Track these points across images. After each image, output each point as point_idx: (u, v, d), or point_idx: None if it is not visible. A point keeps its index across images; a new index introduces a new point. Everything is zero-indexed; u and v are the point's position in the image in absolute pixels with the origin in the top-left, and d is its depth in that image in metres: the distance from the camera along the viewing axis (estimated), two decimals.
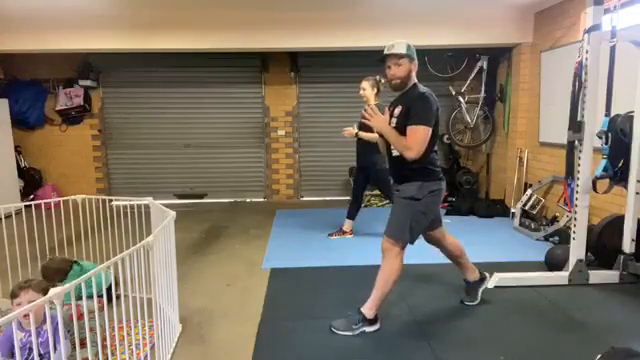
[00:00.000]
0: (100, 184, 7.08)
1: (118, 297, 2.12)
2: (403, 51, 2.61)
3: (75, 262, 3.20)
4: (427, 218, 2.71)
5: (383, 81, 4.45)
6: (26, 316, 2.02)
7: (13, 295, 2.17)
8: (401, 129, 2.60)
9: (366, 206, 5.37)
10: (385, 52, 2.66)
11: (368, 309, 2.71)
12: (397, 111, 2.68)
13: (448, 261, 3.16)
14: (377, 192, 5.88)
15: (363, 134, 4.35)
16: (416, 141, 2.52)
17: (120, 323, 2.49)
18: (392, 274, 2.66)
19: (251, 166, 7.22)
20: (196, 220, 5.72)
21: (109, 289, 2.81)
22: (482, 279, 3.10)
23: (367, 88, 4.39)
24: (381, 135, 2.77)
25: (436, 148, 2.73)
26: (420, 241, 2.87)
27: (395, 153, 2.68)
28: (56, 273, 2.98)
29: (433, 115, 2.58)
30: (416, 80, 2.70)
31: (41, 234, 3.12)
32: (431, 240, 2.99)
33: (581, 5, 4.50)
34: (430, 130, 2.55)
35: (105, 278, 2.65)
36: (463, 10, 5.41)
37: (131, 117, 7.03)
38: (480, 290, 3.09)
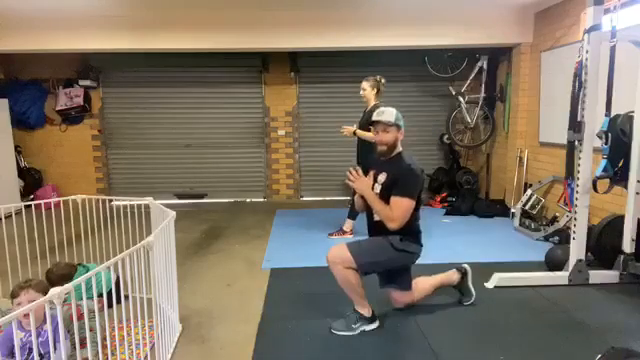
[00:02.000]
0: (100, 184, 7.08)
1: (126, 298, 2.11)
2: (392, 120, 2.67)
3: (80, 264, 3.20)
4: (391, 265, 2.75)
5: (383, 81, 4.46)
6: (26, 316, 2.02)
7: (13, 295, 2.17)
8: (384, 196, 2.65)
9: None
10: (374, 118, 2.72)
11: (359, 308, 2.73)
12: (382, 178, 2.72)
13: (448, 261, 3.17)
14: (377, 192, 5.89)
15: (361, 132, 4.36)
16: (400, 213, 2.58)
17: (120, 323, 2.49)
18: (350, 282, 2.66)
19: (251, 166, 7.22)
20: (196, 220, 5.72)
21: (110, 292, 2.81)
22: (464, 274, 3.08)
23: (367, 88, 4.40)
24: (362, 196, 2.77)
25: (419, 215, 2.76)
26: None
27: (376, 218, 2.73)
28: (61, 279, 2.96)
29: (418, 188, 2.66)
30: (401, 148, 2.76)
31: (41, 234, 3.12)
32: (402, 306, 2.94)
33: (581, 5, 4.50)
34: (414, 202, 2.62)
35: (106, 281, 2.65)
36: (463, 10, 5.41)
37: (131, 117, 7.03)
38: (470, 284, 3.08)
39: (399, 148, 2.75)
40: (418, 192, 2.66)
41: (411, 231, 2.71)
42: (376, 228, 2.77)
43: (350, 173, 2.70)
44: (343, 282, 2.69)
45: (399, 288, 2.86)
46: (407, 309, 2.95)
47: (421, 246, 2.79)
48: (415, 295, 2.92)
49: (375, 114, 2.72)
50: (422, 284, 2.97)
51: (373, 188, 2.73)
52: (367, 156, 4.45)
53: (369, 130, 4.30)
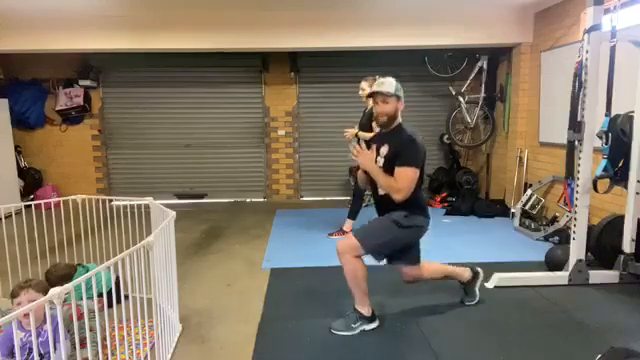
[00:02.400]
0: (100, 184, 7.08)
1: (126, 297, 2.11)
2: (391, 90, 2.64)
3: (79, 265, 3.19)
4: (400, 244, 2.72)
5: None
6: (26, 316, 2.02)
7: (14, 295, 2.17)
8: (388, 169, 2.62)
9: (367, 206, 5.37)
10: (373, 89, 2.70)
11: (360, 307, 2.73)
12: (384, 150, 2.69)
13: (448, 261, 3.16)
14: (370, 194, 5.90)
15: (363, 134, 4.36)
16: (405, 183, 2.55)
17: (120, 323, 2.49)
18: (357, 273, 2.66)
19: (251, 166, 7.22)
20: (196, 220, 5.72)
21: (110, 292, 2.80)
22: (475, 275, 3.08)
23: (366, 89, 4.41)
24: (365, 171, 2.75)
25: (423, 186, 2.76)
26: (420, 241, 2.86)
27: (381, 192, 2.71)
28: (61, 279, 2.95)
29: (421, 157, 2.62)
30: (401, 120, 2.74)
31: (41, 234, 3.12)
32: (410, 280, 2.91)
33: (581, 5, 4.50)
34: (418, 172, 2.59)
35: (106, 281, 2.65)
36: (463, 10, 5.41)
37: (131, 117, 7.03)
38: (477, 287, 3.09)
39: (399, 119, 2.72)
40: (422, 162, 2.62)
41: (416, 203, 2.67)
42: (382, 203, 2.73)
43: (353, 148, 2.66)
44: (350, 274, 2.66)
45: (408, 263, 2.82)
46: (409, 305, 2.95)
47: (428, 218, 2.75)
48: (425, 273, 2.88)
49: (375, 85, 2.70)
50: (435, 266, 2.96)
51: (376, 162, 2.69)
52: None
53: (371, 130, 4.31)
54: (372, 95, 2.72)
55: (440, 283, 3.43)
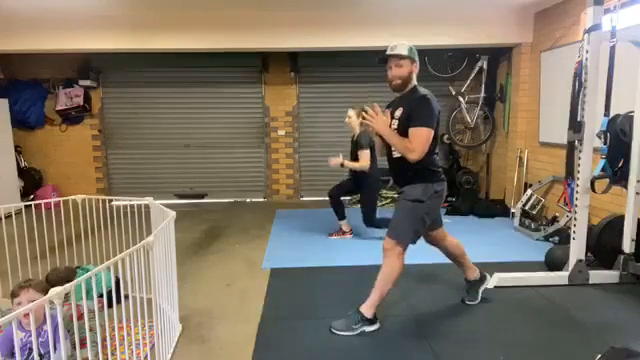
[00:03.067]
0: (100, 184, 7.08)
1: (126, 297, 2.10)
2: (405, 52, 2.64)
3: (79, 267, 3.19)
4: (430, 219, 2.74)
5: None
6: (26, 316, 2.01)
7: (14, 294, 2.17)
8: (402, 131, 2.61)
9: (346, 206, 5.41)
10: (387, 53, 2.68)
11: (367, 309, 2.72)
12: (398, 113, 2.69)
13: (448, 261, 3.16)
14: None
15: (349, 163, 4.39)
16: (419, 143, 2.53)
17: (120, 323, 2.49)
18: (392, 274, 2.66)
19: (251, 166, 7.22)
20: (196, 220, 5.72)
21: (109, 292, 2.81)
22: (482, 278, 3.12)
23: (352, 116, 4.51)
24: (380, 137, 2.77)
25: (437, 150, 2.75)
26: (420, 241, 2.87)
27: (396, 155, 2.70)
28: (61, 282, 2.94)
29: (435, 117, 2.60)
30: (416, 82, 2.73)
31: (41, 234, 3.12)
32: (432, 241, 3.01)
33: (581, 5, 4.50)
34: (432, 132, 2.57)
35: (106, 281, 2.65)
36: (463, 10, 5.41)
37: (131, 117, 7.03)
38: (480, 289, 3.10)
39: (414, 82, 2.70)
40: (435, 121, 2.59)
41: (429, 166, 2.66)
42: (398, 167, 2.73)
43: (367, 113, 2.64)
44: (389, 271, 2.66)
45: (432, 228, 2.88)
46: (409, 305, 2.94)
47: (444, 181, 2.75)
48: (446, 241, 2.98)
49: (388, 48, 2.69)
50: (456, 243, 3.03)
51: (391, 125, 2.68)
52: (362, 180, 4.46)
53: (357, 159, 4.31)
54: (384, 60, 2.70)
55: (441, 282, 3.44)
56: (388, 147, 2.74)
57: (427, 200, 2.65)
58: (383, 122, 2.64)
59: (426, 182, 2.66)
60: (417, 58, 2.69)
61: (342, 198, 4.80)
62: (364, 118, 2.67)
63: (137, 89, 6.95)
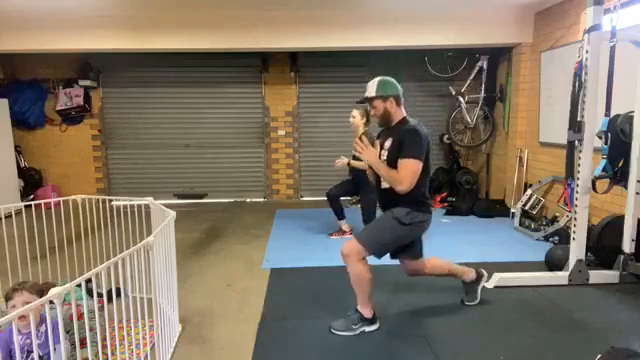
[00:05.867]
0: (100, 184, 7.08)
1: (126, 296, 2.11)
2: (372, 94, 2.67)
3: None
4: (403, 241, 2.74)
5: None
6: (21, 318, 2.01)
7: (7, 297, 2.14)
8: (391, 162, 2.62)
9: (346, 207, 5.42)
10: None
11: (362, 308, 2.73)
12: (388, 144, 2.69)
13: (448, 262, 3.15)
14: (354, 199, 6.02)
15: (355, 163, 4.39)
16: (407, 174, 2.54)
17: (120, 323, 2.49)
18: (361, 277, 2.66)
19: (251, 166, 7.22)
20: (196, 220, 5.72)
21: (109, 290, 2.80)
22: (479, 277, 3.10)
23: (357, 116, 4.49)
24: (370, 166, 2.77)
25: (427, 182, 2.73)
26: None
27: (385, 185, 2.70)
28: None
29: (424, 149, 2.59)
30: (404, 114, 2.72)
31: (41, 234, 3.12)
32: (413, 273, 2.95)
33: (581, 5, 4.50)
34: (421, 164, 2.56)
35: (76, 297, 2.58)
36: (463, 10, 5.41)
37: (131, 117, 7.03)
38: (479, 289, 3.09)
39: (400, 115, 2.70)
40: (424, 153, 2.58)
41: (418, 197, 2.65)
42: (386, 197, 2.73)
43: (356, 143, 2.65)
44: (355, 277, 2.66)
45: (410, 257, 2.84)
46: (409, 305, 2.95)
47: (430, 213, 2.74)
48: (427, 268, 2.90)
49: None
50: (438, 263, 2.97)
51: (380, 156, 2.69)
52: (364, 181, 4.46)
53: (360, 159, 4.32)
54: (363, 102, 2.77)
55: (441, 282, 3.43)
56: (377, 177, 2.75)
57: (408, 225, 2.64)
58: (372, 153, 2.65)
59: (411, 208, 2.65)
60: (392, 92, 2.66)
61: (342, 198, 4.80)
62: (355, 149, 2.68)
63: (137, 89, 6.95)
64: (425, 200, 2.71)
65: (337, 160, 4.51)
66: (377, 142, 2.76)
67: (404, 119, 2.69)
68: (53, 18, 5.33)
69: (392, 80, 2.69)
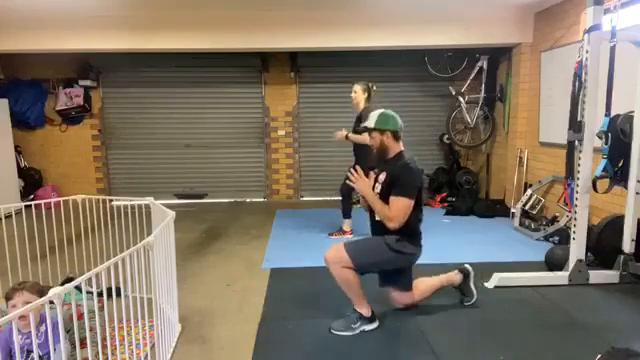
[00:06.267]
0: (100, 184, 7.08)
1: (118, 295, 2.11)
2: (371, 125, 2.72)
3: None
4: (387, 266, 2.76)
5: (375, 87, 4.51)
6: (21, 318, 2.01)
7: (7, 297, 2.14)
8: (384, 196, 2.65)
9: (353, 203, 5.38)
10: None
11: (359, 308, 2.73)
12: (381, 177, 2.73)
13: (448, 261, 3.17)
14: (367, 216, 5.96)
15: (353, 136, 4.39)
16: (398, 212, 2.58)
17: (120, 323, 2.49)
18: (347, 280, 2.67)
19: (251, 166, 7.22)
20: (196, 220, 5.72)
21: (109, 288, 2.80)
22: (466, 275, 3.07)
23: (358, 91, 4.48)
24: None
25: (420, 217, 2.75)
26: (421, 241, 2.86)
27: (378, 217, 2.73)
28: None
29: (416, 187, 2.63)
30: (401, 148, 2.75)
31: (41, 234, 3.12)
32: (403, 306, 2.94)
33: (581, 5, 4.50)
34: (412, 202, 2.59)
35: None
36: (463, 10, 5.41)
37: (131, 117, 7.03)
38: (472, 285, 3.07)
39: (397, 149, 2.74)
40: (416, 191, 2.63)
41: (409, 231, 2.69)
42: (377, 227, 2.77)
43: (351, 174, 2.70)
44: (341, 281, 2.69)
45: (398, 288, 2.86)
46: (407, 309, 2.95)
47: (420, 247, 2.78)
48: (415, 297, 2.92)
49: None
50: (423, 285, 2.96)
51: (374, 188, 2.73)
52: (364, 157, 4.46)
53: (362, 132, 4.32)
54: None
55: None
56: (370, 207, 2.76)
57: (396, 252, 2.66)
58: (366, 184, 2.70)
59: (403, 238, 2.67)
60: (391, 126, 2.69)
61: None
62: (348, 179, 2.70)
63: (137, 89, 6.95)
64: (415, 234, 2.75)
65: (336, 132, 4.52)
66: (371, 174, 2.80)
67: (400, 154, 2.73)
68: (53, 18, 5.33)
69: (393, 115, 2.74)
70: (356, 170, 2.72)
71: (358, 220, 4.81)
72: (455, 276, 3.06)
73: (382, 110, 2.75)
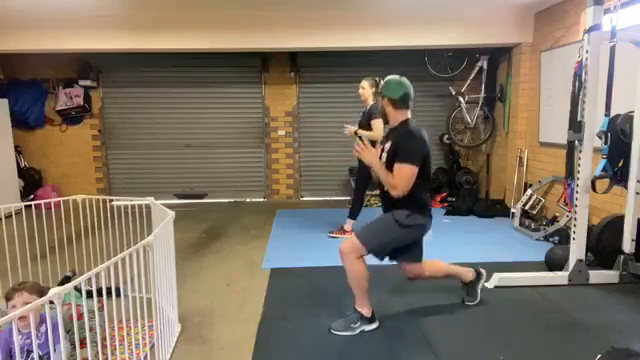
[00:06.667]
0: (100, 184, 7.08)
1: (118, 295, 2.11)
2: (380, 89, 2.77)
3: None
4: (401, 243, 2.73)
5: (382, 82, 4.47)
6: (21, 319, 2.01)
7: (7, 297, 2.14)
8: (390, 165, 2.63)
9: (366, 206, 5.37)
10: None
11: (360, 307, 2.73)
12: (387, 146, 2.71)
13: (447, 261, 3.15)
14: (377, 192, 5.89)
15: (362, 132, 4.38)
16: (401, 180, 2.54)
17: (120, 323, 2.49)
18: (359, 277, 2.67)
19: (251, 166, 7.22)
20: (196, 220, 5.72)
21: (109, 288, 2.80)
22: (478, 276, 3.09)
23: (366, 87, 4.44)
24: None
25: (426, 186, 2.73)
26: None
27: (385, 187, 2.71)
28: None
29: (420, 154, 2.58)
30: (407, 117, 2.71)
31: (41, 234, 3.12)
32: (412, 277, 2.93)
33: (581, 5, 4.50)
34: (416, 169, 2.54)
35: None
36: (463, 10, 5.41)
37: (131, 117, 7.02)
38: (479, 288, 3.09)
39: (400, 117, 2.69)
40: (420, 159, 2.57)
41: (416, 202, 2.65)
42: (386, 197, 2.74)
43: (357, 144, 2.67)
44: (352, 274, 2.67)
45: (410, 260, 2.83)
46: (409, 305, 2.95)
47: (430, 217, 2.74)
48: (426, 272, 2.89)
49: None
50: (437, 265, 2.97)
51: (381, 158, 2.70)
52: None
53: (369, 130, 4.31)
54: None
55: (441, 283, 3.43)
56: (380, 181, 2.75)
57: (407, 227, 2.64)
58: (372, 154, 2.67)
59: (413, 211, 2.65)
60: (390, 93, 2.67)
61: (347, 198, 4.75)
62: (356, 150, 2.70)
63: (137, 89, 6.95)
64: (424, 205, 2.72)
65: (346, 126, 4.51)
66: (378, 145, 2.79)
67: (405, 122, 2.69)
68: (53, 18, 5.32)
69: (399, 82, 2.69)
70: (362, 142, 2.67)
71: (361, 221, 4.81)
72: (468, 273, 3.06)
73: (394, 76, 2.72)
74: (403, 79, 2.72)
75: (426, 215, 2.72)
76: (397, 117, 2.70)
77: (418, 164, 2.55)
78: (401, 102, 2.67)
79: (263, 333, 2.73)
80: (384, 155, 2.70)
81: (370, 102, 4.44)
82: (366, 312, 2.73)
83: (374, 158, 2.66)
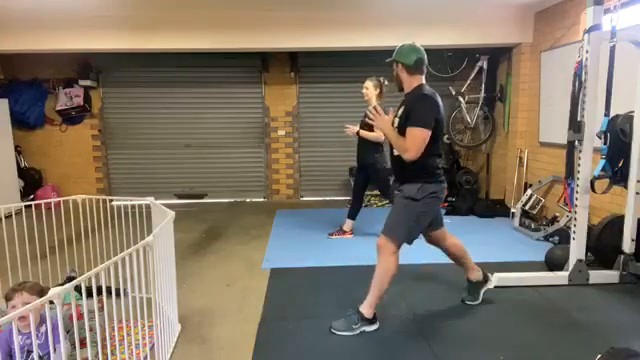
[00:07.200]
0: (100, 184, 7.08)
1: (125, 295, 2.11)
2: (393, 56, 2.72)
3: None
4: (426, 219, 2.74)
5: (387, 82, 4.48)
6: (21, 319, 2.01)
7: (7, 298, 2.14)
8: (402, 129, 2.62)
9: (366, 206, 5.37)
10: None
11: (366, 309, 2.72)
12: (400, 111, 2.71)
13: (448, 261, 3.16)
14: (377, 192, 5.89)
15: (364, 133, 4.38)
16: (413, 143, 2.54)
17: (120, 323, 2.49)
18: (387, 272, 2.67)
19: (251, 166, 7.22)
20: (196, 220, 5.72)
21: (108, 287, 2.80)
22: (485, 280, 3.11)
23: (370, 88, 4.43)
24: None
25: (439, 151, 2.75)
26: (420, 241, 2.87)
27: (396, 152, 2.71)
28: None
29: (432, 117, 2.57)
30: (421, 82, 2.70)
31: (41, 234, 3.12)
32: (432, 241, 3.01)
33: (581, 5, 4.50)
34: (428, 132, 2.54)
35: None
36: (463, 10, 5.41)
37: (131, 117, 7.03)
38: (482, 290, 3.10)
39: (414, 82, 2.68)
40: (432, 122, 2.55)
41: (427, 169, 2.66)
42: (397, 165, 2.74)
43: (370, 112, 2.69)
44: (382, 269, 2.67)
45: (433, 229, 2.90)
46: (409, 305, 2.94)
47: (443, 183, 2.75)
48: (447, 240, 2.98)
49: None
50: (458, 241, 3.03)
51: (393, 123, 2.71)
52: (368, 156, 4.46)
53: (371, 130, 4.31)
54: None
55: (441, 283, 3.44)
56: (391, 145, 2.76)
57: (422, 199, 2.64)
58: (385, 121, 2.69)
59: (423, 182, 2.65)
60: (402, 58, 2.66)
61: (345, 198, 4.75)
62: (367, 116, 2.69)
63: (137, 89, 6.95)
64: (435, 170, 2.72)
65: (347, 126, 4.51)
66: (392, 110, 2.81)
67: (419, 87, 2.68)
68: (53, 18, 5.32)
69: (413, 48, 2.67)
70: (376, 109, 2.68)
71: (362, 221, 4.83)
72: (477, 272, 3.08)
73: (408, 43, 2.71)
74: (416, 44, 2.70)
75: (437, 182, 2.71)
76: (412, 83, 2.69)
77: (430, 128, 2.55)
78: (415, 67, 2.66)
79: (263, 333, 2.73)
80: (396, 120, 2.71)
81: (373, 102, 4.44)
82: (369, 314, 2.73)
83: (387, 124, 2.67)
